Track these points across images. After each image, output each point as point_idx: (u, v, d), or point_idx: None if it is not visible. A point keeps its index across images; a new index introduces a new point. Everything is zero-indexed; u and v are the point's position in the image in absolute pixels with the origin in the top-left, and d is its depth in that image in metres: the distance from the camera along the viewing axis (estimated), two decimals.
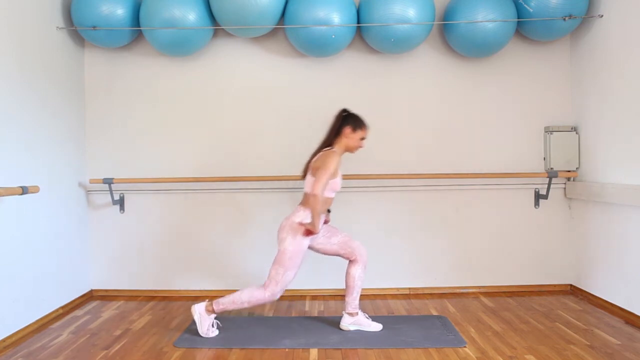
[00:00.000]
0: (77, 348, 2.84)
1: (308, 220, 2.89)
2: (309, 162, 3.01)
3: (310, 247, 3.02)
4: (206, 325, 2.95)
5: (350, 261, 3.07)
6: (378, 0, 3.48)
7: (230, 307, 2.94)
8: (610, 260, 3.41)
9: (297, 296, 3.86)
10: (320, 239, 3.04)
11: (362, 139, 3.01)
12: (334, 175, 2.89)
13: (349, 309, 3.05)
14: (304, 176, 3.04)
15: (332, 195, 2.98)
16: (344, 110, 3.02)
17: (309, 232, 2.88)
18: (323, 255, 3.87)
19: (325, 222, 3.10)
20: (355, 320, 3.05)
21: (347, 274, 3.06)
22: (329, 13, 3.47)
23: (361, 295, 3.58)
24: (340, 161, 2.93)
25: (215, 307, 2.95)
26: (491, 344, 2.81)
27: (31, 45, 3.25)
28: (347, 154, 3.08)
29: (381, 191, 3.88)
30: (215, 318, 3.02)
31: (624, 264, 3.26)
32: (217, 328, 3.02)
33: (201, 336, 2.95)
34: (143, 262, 3.92)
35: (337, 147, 2.97)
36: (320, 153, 2.96)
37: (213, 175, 3.84)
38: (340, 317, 3.10)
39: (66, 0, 3.66)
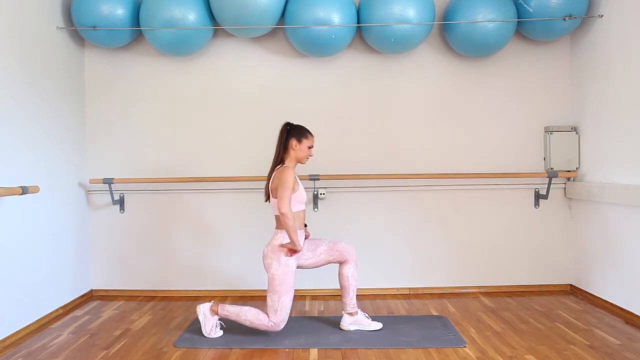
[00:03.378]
0: (77, 348, 2.84)
1: (287, 240, 2.87)
2: (267, 185, 2.99)
3: (300, 267, 3.01)
4: (210, 326, 2.95)
5: (341, 262, 3.07)
6: (378, 0, 3.48)
7: (233, 317, 2.94)
8: (610, 260, 3.41)
9: (297, 296, 3.84)
10: (307, 254, 3.03)
11: (310, 147, 3.00)
12: (294, 190, 2.88)
13: (348, 309, 3.05)
14: (267, 199, 3.02)
15: (302, 207, 2.98)
16: (287, 124, 3.00)
17: (292, 252, 2.87)
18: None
19: (306, 237, 3.10)
20: (355, 320, 3.05)
21: (340, 275, 3.06)
22: (329, 13, 3.47)
23: (361, 295, 3.58)
24: (295, 173, 2.92)
25: (219, 311, 2.96)
26: (491, 344, 2.81)
27: (31, 45, 3.24)
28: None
29: (381, 191, 3.88)
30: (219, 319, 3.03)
31: (624, 264, 3.26)
32: (221, 329, 3.02)
33: (204, 336, 2.95)
34: (143, 262, 3.92)
35: (288, 161, 2.97)
36: (274, 173, 2.95)
37: (213, 175, 3.84)
38: (340, 317, 3.10)
39: (66, 0, 3.66)
